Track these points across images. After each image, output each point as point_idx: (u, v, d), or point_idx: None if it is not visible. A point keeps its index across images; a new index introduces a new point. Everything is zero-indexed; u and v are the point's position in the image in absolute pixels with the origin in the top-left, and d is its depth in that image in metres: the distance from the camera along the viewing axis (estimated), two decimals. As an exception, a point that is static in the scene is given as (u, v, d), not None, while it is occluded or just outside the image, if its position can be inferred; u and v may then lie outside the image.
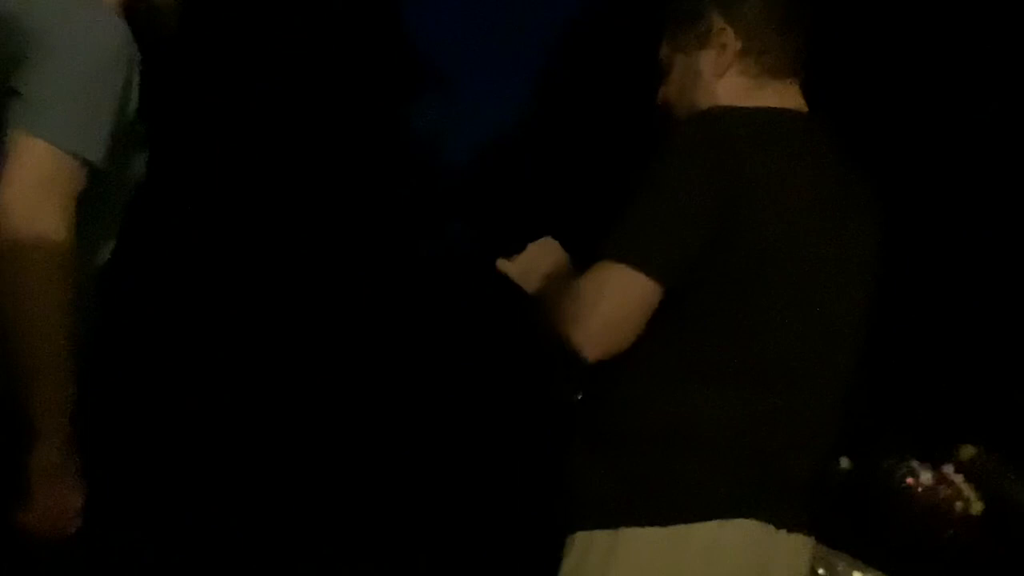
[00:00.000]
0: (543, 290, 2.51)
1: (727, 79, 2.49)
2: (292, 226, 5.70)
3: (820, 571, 3.71)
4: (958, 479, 4.44)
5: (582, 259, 2.45)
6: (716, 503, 2.33)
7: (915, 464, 4.53)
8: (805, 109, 2.52)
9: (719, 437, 2.34)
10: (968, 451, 4.97)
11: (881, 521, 4.19)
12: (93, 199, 2.31)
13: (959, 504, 4.32)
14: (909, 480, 4.37)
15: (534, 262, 2.57)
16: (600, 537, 2.38)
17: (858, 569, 3.69)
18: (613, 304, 2.27)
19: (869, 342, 2.60)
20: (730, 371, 2.34)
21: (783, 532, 2.43)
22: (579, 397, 2.47)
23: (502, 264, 2.62)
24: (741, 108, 2.42)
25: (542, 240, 2.61)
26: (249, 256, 5.51)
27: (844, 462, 4.50)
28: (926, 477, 4.38)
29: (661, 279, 2.27)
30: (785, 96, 2.50)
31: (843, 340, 2.51)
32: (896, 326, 4.92)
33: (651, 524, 2.32)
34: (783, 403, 2.40)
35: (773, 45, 2.48)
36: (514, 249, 2.61)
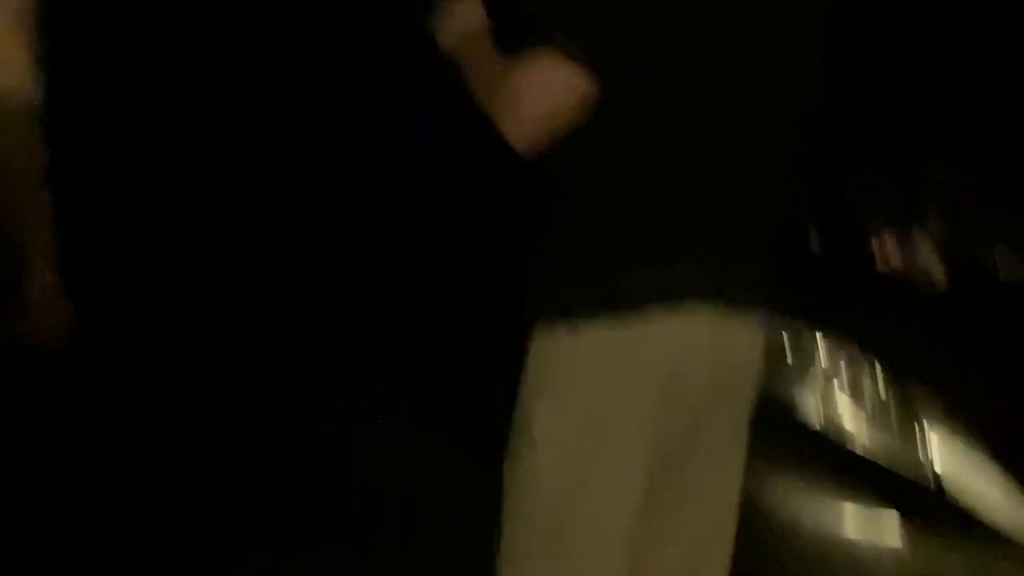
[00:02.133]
0: (464, 53, 2.40)
1: None
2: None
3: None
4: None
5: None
6: (666, 291, 2.35)
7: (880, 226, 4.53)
8: None
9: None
10: None
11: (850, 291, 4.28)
12: None
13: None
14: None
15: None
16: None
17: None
18: (551, 101, 2.20)
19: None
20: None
21: (736, 314, 2.44)
22: None
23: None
24: None
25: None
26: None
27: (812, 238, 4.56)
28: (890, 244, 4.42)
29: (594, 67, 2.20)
30: None
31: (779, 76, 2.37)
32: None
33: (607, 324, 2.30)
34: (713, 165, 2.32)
35: None
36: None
